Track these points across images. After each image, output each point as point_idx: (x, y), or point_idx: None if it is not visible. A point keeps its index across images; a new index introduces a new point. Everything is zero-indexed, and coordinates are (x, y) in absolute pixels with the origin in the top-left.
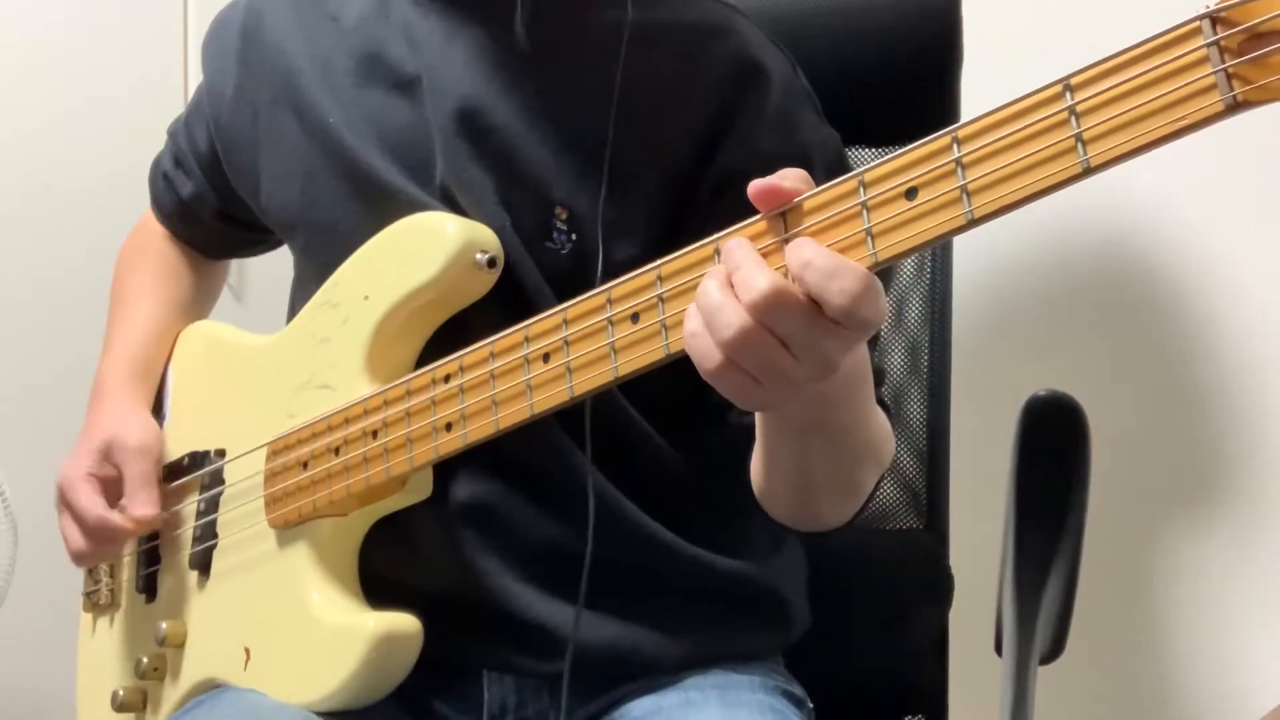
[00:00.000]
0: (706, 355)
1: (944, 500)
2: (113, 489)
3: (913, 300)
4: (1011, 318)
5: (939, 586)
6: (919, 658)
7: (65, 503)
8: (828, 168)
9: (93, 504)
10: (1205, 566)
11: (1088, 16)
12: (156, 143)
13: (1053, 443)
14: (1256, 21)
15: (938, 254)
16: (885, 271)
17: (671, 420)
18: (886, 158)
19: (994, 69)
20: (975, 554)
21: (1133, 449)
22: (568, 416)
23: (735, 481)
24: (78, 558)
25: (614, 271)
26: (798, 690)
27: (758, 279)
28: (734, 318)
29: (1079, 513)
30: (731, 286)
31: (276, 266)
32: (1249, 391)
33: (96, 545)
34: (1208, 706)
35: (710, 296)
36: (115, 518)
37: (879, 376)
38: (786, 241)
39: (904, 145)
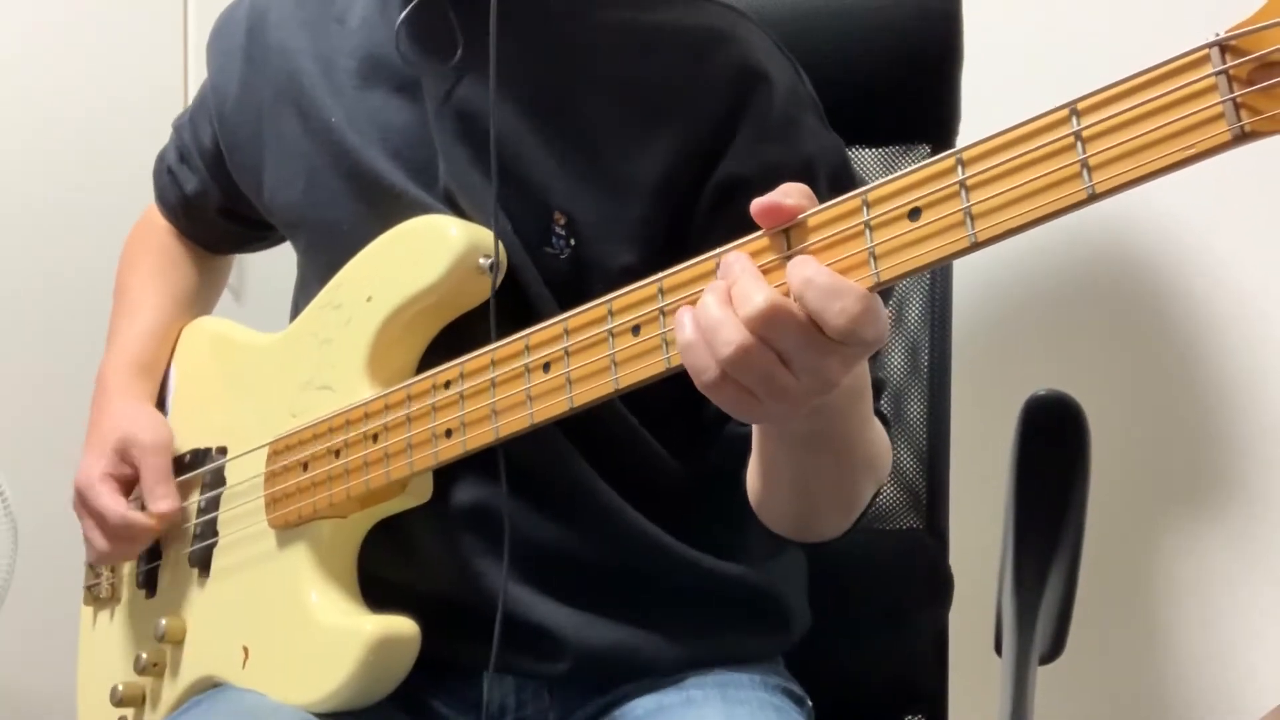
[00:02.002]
0: (704, 369)
1: (944, 500)
2: (129, 487)
3: (913, 300)
4: (1012, 318)
5: (939, 586)
6: (919, 658)
7: (85, 505)
8: (831, 176)
9: (115, 503)
10: (1205, 566)
11: (1087, 19)
12: (156, 143)
13: (1053, 442)
14: (1267, 51)
15: None
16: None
17: (670, 426)
18: (890, 177)
19: (994, 71)
20: (975, 554)
21: (1133, 449)
22: (567, 422)
23: (735, 486)
24: (100, 558)
25: (612, 278)
26: (797, 689)
27: (755, 294)
28: (733, 334)
29: (1079, 512)
30: (730, 301)
31: (276, 266)
32: (1250, 391)
33: (119, 545)
34: (1208, 706)
35: (709, 311)
36: (138, 516)
37: (878, 388)
38: (789, 258)
39: (904, 146)
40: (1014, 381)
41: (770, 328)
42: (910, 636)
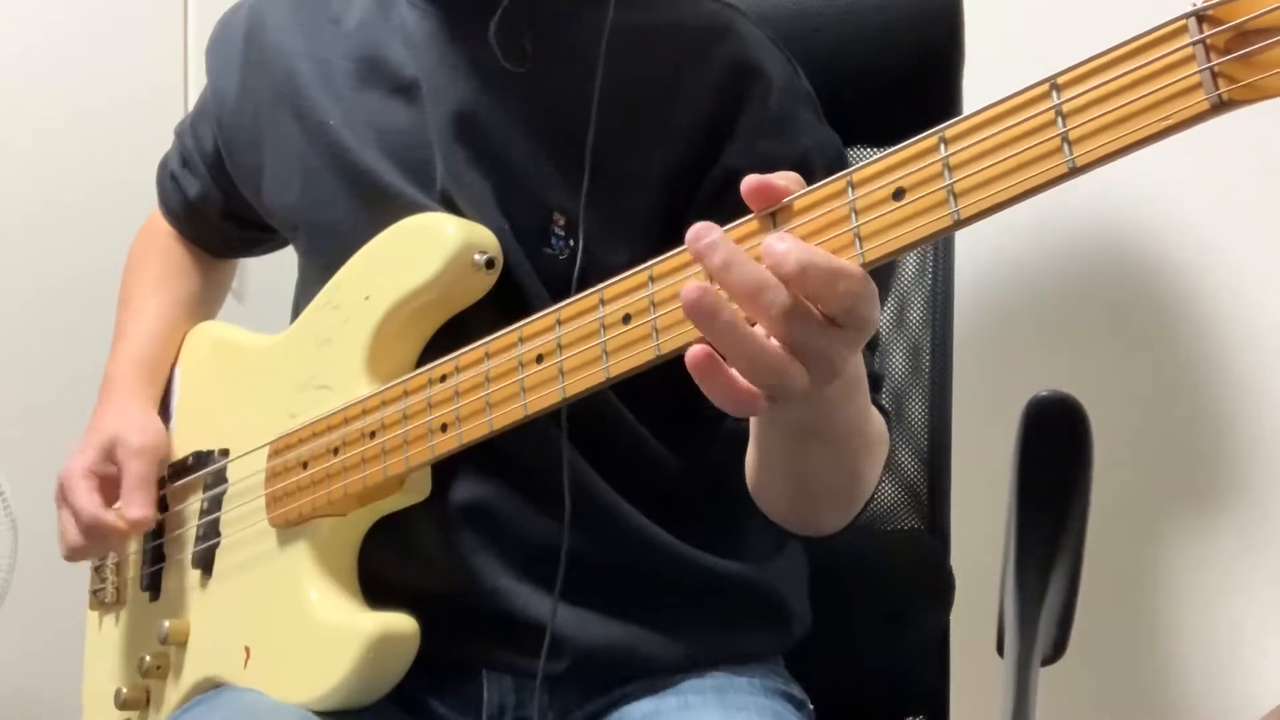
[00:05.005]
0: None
1: (946, 501)
2: (112, 487)
3: (914, 301)
4: (1013, 318)
5: (940, 587)
6: (920, 658)
7: (63, 498)
8: (827, 170)
9: (88, 502)
10: (1207, 567)
11: (1089, 16)
12: (156, 144)
13: (1055, 443)
14: (1243, 19)
15: (939, 254)
16: (888, 269)
17: (668, 423)
18: (875, 157)
19: (995, 69)
20: (977, 555)
21: (1135, 450)
22: (565, 418)
23: (734, 483)
24: (70, 553)
25: (611, 276)
26: (797, 692)
27: (779, 296)
28: (765, 348)
29: (1081, 514)
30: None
31: (277, 267)
32: (1251, 392)
33: (90, 543)
34: (1208, 707)
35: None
36: (109, 517)
37: (877, 381)
38: None
39: None
40: (1016, 382)
41: (792, 325)
42: (912, 637)
